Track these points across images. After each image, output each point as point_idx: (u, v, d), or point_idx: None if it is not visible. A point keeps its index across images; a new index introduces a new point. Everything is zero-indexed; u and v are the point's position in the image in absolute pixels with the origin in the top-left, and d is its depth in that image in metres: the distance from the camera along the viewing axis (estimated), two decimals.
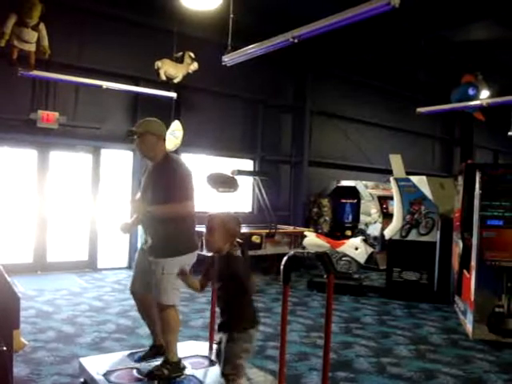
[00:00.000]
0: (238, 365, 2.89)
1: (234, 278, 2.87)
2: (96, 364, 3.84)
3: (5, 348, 2.34)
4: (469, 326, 5.72)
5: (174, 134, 8.50)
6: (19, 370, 4.04)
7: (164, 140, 3.83)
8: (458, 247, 6.86)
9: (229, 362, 2.87)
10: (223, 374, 2.90)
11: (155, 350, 3.90)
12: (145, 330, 5.27)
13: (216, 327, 3.07)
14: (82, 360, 3.98)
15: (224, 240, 2.95)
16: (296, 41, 5.74)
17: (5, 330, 2.38)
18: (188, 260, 3.67)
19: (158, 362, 3.74)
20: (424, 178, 7.83)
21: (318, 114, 11.96)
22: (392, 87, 13.15)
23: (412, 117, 10.90)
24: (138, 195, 3.90)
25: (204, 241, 3.05)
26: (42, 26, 6.95)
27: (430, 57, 10.76)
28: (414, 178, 7.82)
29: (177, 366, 3.65)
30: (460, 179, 7.16)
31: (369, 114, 12.95)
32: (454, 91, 10.38)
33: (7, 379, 2.43)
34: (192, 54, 8.56)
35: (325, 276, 3.19)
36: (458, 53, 10.67)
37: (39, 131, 8.15)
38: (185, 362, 3.77)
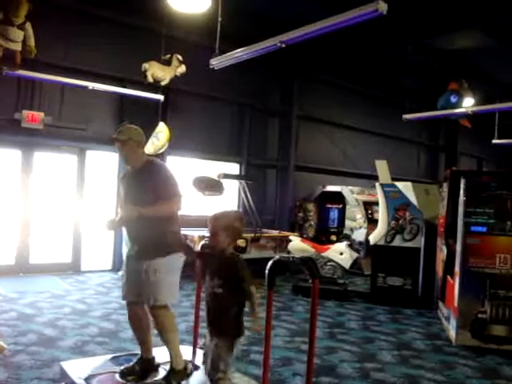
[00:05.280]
0: (228, 366, 2.92)
1: (241, 283, 2.86)
2: (78, 368, 3.78)
3: None
4: (452, 332, 5.76)
5: (157, 136, 8.47)
6: None
7: (143, 147, 3.87)
8: (442, 253, 6.92)
9: (221, 364, 2.87)
10: (214, 370, 2.87)
11: (142, 364, 3.71)
12: (127, 333, 5.24)
13: (208, 329, 3.03)
14: (64, 364, 3.91)
15: (228, 240, 2.95)
16: (283, 45, 5.75)
17: None
18: (180, 258, 3.64)
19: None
20: (409, 184, 7.89)
21: (304, 118, 12.01)
22: (379, 93, 13.27)
23: (398, 123, 10.99)
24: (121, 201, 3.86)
25: (210, 242, 3.04)
26: (28, 25, 6.87)
27: (417, 64, 10.89)
28: (400, 184, 7.87)
29: (183, 373, 3.55)
30: (445, 186, 7.22)
31: (355, 119, 13.04)
32: (440, 98, 10.50)
33: None
34: (180, 57, 8.53)
35: (310, 281, 3.18)
36: (443, 60, 10.82)
37: (24, 131, 8.06)
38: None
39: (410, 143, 14.93)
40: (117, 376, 3.64)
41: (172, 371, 3.54)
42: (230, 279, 2.89)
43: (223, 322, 2.88)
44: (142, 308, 3.67)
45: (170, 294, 3.60)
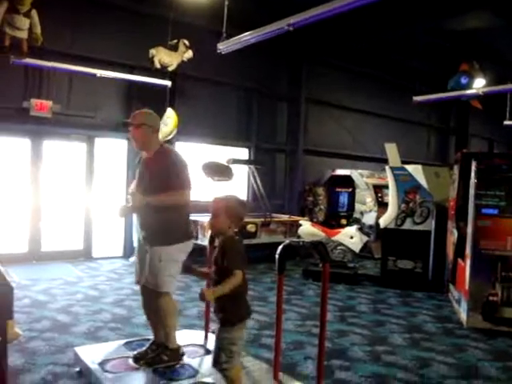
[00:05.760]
0: (233, 352, 2.88)
1: (228, 262, 2.82)
2: (91, 353, 3.84)
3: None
4: (463, 315, 5.75)
5: (165, 122, 8.46)
6: (14, 359, 4.03)
7: (158, 132, 3.83)
8: (452, 236, 6.88)
9: (224, 350, 2.87)
10: (217, 363, 2.89)
11: (154, 347, 3.79)
12: (140, 319, 5.30)
13: (214, 315, 3.04)
14: (78, 349, 3.98)
15: (228, 223, 2.93)
16: (291, 29, 5.70)
17: None
18: (185, 248, 3.66)
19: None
20: (419, 166, 7.83)
21: (313, 102, 11.93)
22: (388, 76, 13.13)
23: (408, 106, 10.90)
24: (133, 186, 3.87)
25: (209, 224, 3.03)
26: (33, 13, 6.85)
27: (426, 45, 10.73)
28: (410, 167, 7.82)
29: (176, 353, 3.66)
30: (455, 168, 7.16)
31: (365, 102, 12.93)
32: (450, 80, 10.37)
33: (2, 369, 2.42)
34: (187, 42, 8.49)
35: (320, 265, 3.19)
36: (453, 41, 10.64)
37: (32, 120, 8.08)
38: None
39: (419, 126, 14.81)
40: (130, 361, 3.70)
41: (165, 348, 3.64)
42: (222, 263, 2.86)
43: (222, 310, 2.87)
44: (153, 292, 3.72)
45: (170, 283, 3.64)
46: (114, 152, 9.41)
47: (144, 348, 3.80)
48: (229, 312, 2.88)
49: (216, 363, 2.90)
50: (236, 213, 2.97)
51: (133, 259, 8.04)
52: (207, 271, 3.22)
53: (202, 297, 2.79)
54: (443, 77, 10.89)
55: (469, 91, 9.84)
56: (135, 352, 3.79)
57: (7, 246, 8.19)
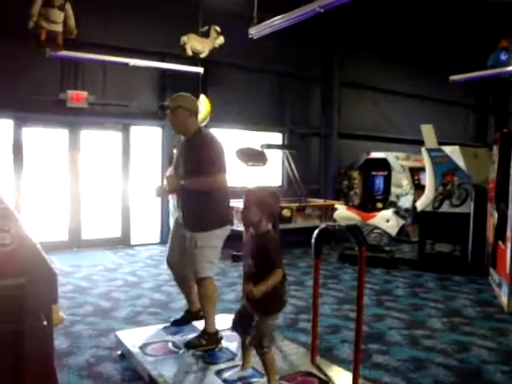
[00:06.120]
0: (273, 336, 2.98)
1: (269, 260, 2.86)
2: (132, 337, 3.95)
3: (45, 322, 2.41)
4: (504, 299, 5.63)
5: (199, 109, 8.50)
6: (60, 342, 4.19)
7: (196, 115, 3.85)
8: (492, 218, 6.71)
9: (267, 335, 2.92)
10: (261, 347, 2.93)
11: (189, 316, 4.06)
12: (178, 303, 5.40)
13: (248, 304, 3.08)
14: (119, 333, 4.10)
15: (260, 216, 2.90)
16: (322, 10, 5.63)
17: (44, 306, 2.44)
18: (221, 234, 3.70)
19: (192, 334, 3.84)
20: (457, 148, 7.64)
21: (346, 85, 11.76)
22: (423, 55, 12.78)
23: (444, 85, 10.61)
24: (170, 170, 3.95)
25: (240, 216, 3.01)
26: (68, 6, 6.95)
27: (463, 22, 10.39)
28: (447, 149, 7.65)
29: (214, 337, 3.75)
30: (495, 148, 6.96)
31: (399, 83, 12.65)
32: (489, 57, 10.03)
33: (48, 352, 2.51)
34: (218, 28, 8.47)
35: (356, 249, 3.17)
36: (492, 17, 10.26)
37: (69, 111, 8.26)
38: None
39: (457, 106, 14.41)
40: (169, 344, 3.79)
41: (204, 332, 3.74)
42: (261, 259, 2.89)
43: (262, 300, 2.89)
44: (185, 268, 3.88)
45: (209, 268, 3.70)
46: (149, 140, 9.54)
47: (181, 316, 4.10)
48: (271, 301, 2.91)
49: (259, 348, 2.95)
50: (268, 206, 2.92)
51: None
52: None
53: (251, 295, 2.81)
54: (481, 54, 10.54)
55: (509, 68, 9.50)
56: (172, 319, 4.14)
57: (49, 234, 8.45)
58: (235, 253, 3.44)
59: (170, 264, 4.02)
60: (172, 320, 4.14)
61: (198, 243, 3.62)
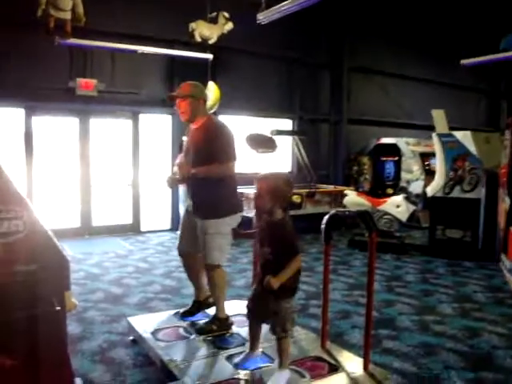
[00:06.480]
0: (294, 319, 3.00)
1: (286, 247, 2.85)
2: (144, 323, 3.99)
3: (58, 308, 2.44)
4: None
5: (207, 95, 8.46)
6: (73, 328, 4.26)
7: (205, 103, 3.84)
8: (504, 203, 6.65)
9: (288, 319, 2.95)
10: (284, 331, 2.94)
11: (197, 305, 4.08)
12: (189, 289, 5.42)
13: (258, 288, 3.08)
14: (131, 319, 4.14)
15: (274, 202, 2.86)
16: None
17: (56, 292, 2.48)
18: (232, 221, 3.70)
19: (202, 320, 3.91)
20: (468, 132, 7.57)
21: (356, 70, 11.66)
22: (434, 39, 12.61)
23: (455, 70, 10.46)
24: (181, 157, 3.95)
25: (253, 203, 2.98)
26: None
27: (477, 4, 10.21)
28: (458, 134, 7.57)
29: (225, 323, 3.80)
30: (507, 133, 6.87)
31: (409, 68, 12.50)
32: (502, 41, 9.87)
33: (62, 337, 2.55)
34: (226, 14, 8.41)
35: (366, 235, 3.16)
36: None
37: (79, 99, 8.27)
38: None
39: (468, 90, 14.23)
40: (181, 330, 3.83)
41: (215, 318, 3.81)
42: (277, 246, 2.87)
43: (282, 285, 2.87)
44: (194, 257, 3.90)
45: (220, 255, 3.72)
46: (158, 127, 9.55)
47: (189, 307, 4.09)
48: (289, 284, 2.90)
49: (282, 332, 2.94)
50: (281, 192, 2.88)
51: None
52: (251, 232, 3.20)
53: (269, 285, 2.77)
54: (494, 38, 10.38)
55: None
56: (182, 310, 4.13)
57: (61, 221, 8.52)
58: (234, 227, 3.39)
59: (181, 253, 4.04)
60: (181, 311, 4.13)
61: (209, 230, 3.63)
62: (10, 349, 2.34)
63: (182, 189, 7.48)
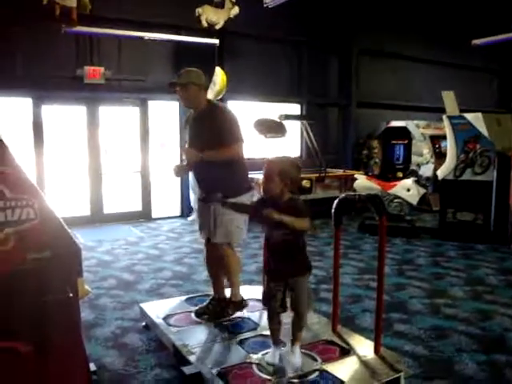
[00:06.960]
0: (312, 296, 3.12)
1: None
2: (156, 309, 4.03)
3: (71, 295, 2.47)
4: None
5: (214, 81, 8.41)
6: (86, 314, 4.30)
7: (206, 89, 3.86)
8: None
9: (309, 294, 3.04)
10: (310, 307, 3.07)
11: (215, 304, 3.92)
12: (200, 276, 5.47)
13: (272, 274, 3.08)
14: (143, 305, 4.18)
15: (282, 186, 2.86)
16: None
17: (69, 279, 2.51)
18: (248, 200, 3.69)
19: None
20: (479, 114, 7.47)
21: (364, 52, 11.52)
22: (443, 18, 12.41)
23: (466, 50, 10.31)
24: (186, 144, 3.93)
25: (262, 187, 2.95)
26: None
27: None
28: (469, 115, 7.48)
29: (239, 306, 3.89)
30: None
31: (418, 49, 12.31)
32: None
33: (75, 323, 2.58)
34: None
35: (376, 218, 3.15)
36: None
37: (86, 87, 8.26)
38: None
39: (479, 71, 14.02)
40: (192, 315, 3.85)
41: (230, 301, 3.87)
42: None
43: (297, 262, 2.93)
44: (217, 248, 3.83)
45: (239, 233, 3.77)
46: (166, 114, 9.53)
47: (205, 303, 3.96)
48: (302, 260, 2.99)
49: (303, 310, 2.99)
50: (289, 175, 2.87)
51: (191, 218, 8.25)
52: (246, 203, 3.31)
53: (271, 215, 2.75)
54: (505, 17, 10.20)
55: None
56: (197, 307, 3.96)
57: (72, 209, 8.57)
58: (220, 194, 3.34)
59: (206, 242, 3.96)
60: (198, 308, 3.96)
61: (223, 213, 3.59)
62: (25, 335, 2.37)
63: (191, 176, 7.49)
